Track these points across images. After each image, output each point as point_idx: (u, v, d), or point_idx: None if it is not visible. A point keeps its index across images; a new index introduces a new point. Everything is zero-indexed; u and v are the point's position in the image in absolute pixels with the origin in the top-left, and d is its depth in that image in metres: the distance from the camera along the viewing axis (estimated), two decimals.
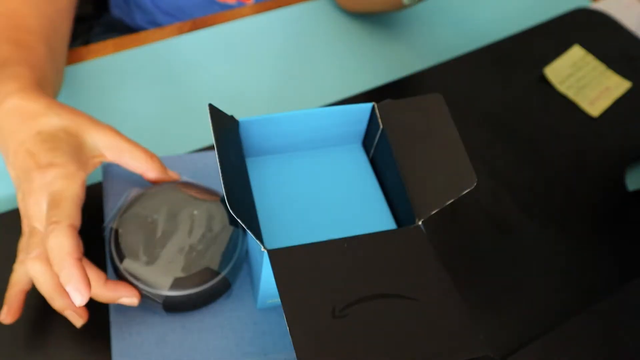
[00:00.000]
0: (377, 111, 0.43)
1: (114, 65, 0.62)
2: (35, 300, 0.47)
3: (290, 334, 0.31)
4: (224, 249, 0.45)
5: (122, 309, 0.46)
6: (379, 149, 0.44)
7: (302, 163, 0.46)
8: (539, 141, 0.65)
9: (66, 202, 0.40)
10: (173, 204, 0.46)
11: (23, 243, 0.43)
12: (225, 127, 0.38)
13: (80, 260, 0.38)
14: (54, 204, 0.40)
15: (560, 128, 0.67)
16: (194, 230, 0.45)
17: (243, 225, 0.34)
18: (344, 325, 0.33)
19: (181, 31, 0.67)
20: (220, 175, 0.35)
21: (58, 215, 0.39)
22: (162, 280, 0.43)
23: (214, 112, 0.38)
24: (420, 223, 0.39)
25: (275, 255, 0.35)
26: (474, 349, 0.33)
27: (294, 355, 0.46)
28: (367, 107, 0.43)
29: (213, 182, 0.50)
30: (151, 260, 0.44)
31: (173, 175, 0.48)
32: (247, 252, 0.48)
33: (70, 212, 0.40)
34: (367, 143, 0.46)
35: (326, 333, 0.32)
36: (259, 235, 0.36)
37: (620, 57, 0.74)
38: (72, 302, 0.42)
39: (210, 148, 0.57)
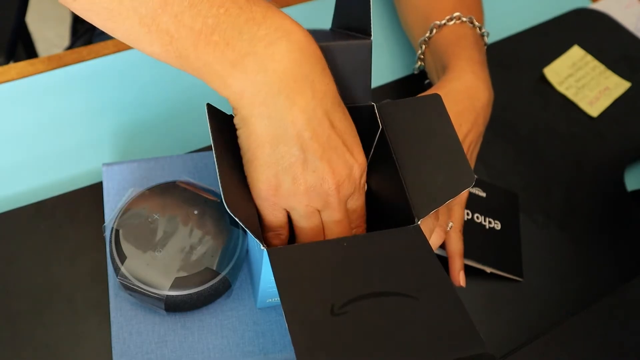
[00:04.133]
0: (376, 111, 0.43)
1: (114, 65, 0.62)
2: (37, 300, 0.47)
3: (289, 332, 0.31)
4: (224, 249, 0.45)
5: (122, 309, 0.46)
6: (378, 149, 0.44)
7: None
8: (539, 141, 0.65)
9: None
10: (173, 204, 0.46)
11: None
12: (224, 126, 0.38)
13: None
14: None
15: (560, 128, 0.67)
16: (194, 230, 0.45)
17: (242, 225, 0.34)
18: (343, 322, 0.33)
19: None
20: (218, 176, 0.35)
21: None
22: (162, 280, 0.43)
23: (212, 111, 0.38)
24: (419, 222, 0.39)
25: (275, 254, 0.35)
26: (472, 347, 0.33)
27: (294, 355, 0.46)
28: (366, 107, 0.43)
29: (213, 182, 0.51)
30: (152, 260, 0.44)
31: None
32: (247, 252, 0.48)
33: None
34: (366, 143, 0.46)
35: (325, 331, 0.32)
36: (258, 235, 0.36)
37: (620, 57, 0.74)
38: None
39: (211, 148, 0.57)
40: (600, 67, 0.72)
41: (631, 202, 0.62)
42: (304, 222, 0.39)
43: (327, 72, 0.38)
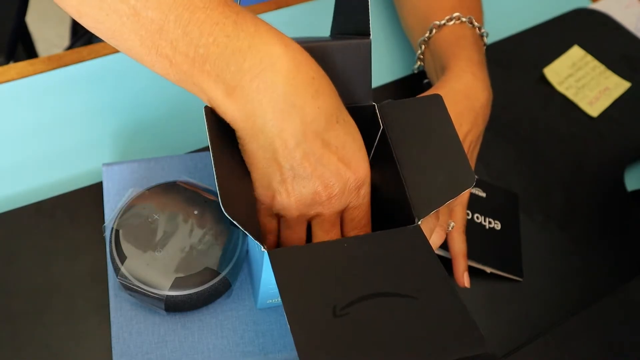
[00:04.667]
0: (377, 111, 0.43)
1: (114, 65, 0.62)
2: (37, 300, 0.47)
3: (292, 334, 0.31)
4: (224, 249, 0.45)
5: (122, 309, 0.46)
6: (379, 149, 0.44)
7: None
8: (539, 141, 0.65)
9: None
10: (173, 204, 0.46)
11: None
12: (223, 127, 0.38)
13: None
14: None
15: (560, 128, 0.67)
16: (194, 230, 0.45)
17: (240, 227, 0.34)
18: (345, 324, 0.33)
19: None
20: (216, 182, 0.35)
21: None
22: (162, 280, 0.43)
23: (210, 114, 0.37)
24: (419, 223, 0.39)
25: (276, 255, 0.35)
26: (473, 347, 0.33)
27: (294, 354, 0.46)
28: (367, 107, 0.43)
29: (213, 182, 0.50)
30: (152, 260, 0.44)
31: None
32: (247, 252, 0.48)
33: None
34: (367, 143, 0.46)
35: (327, 332, 0.32)
36: (258, 236, 0.36)
37: (620, 58, 0.74)
38: None
39: None
40: (600, 67, 0.72)
41: (631, 202, 0.62)
42: (289, 231, 0.41)
43: (321, 91, 0.37)
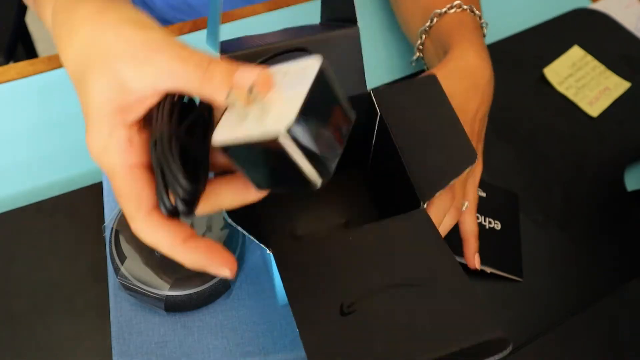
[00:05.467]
0: (373, 98, 0.42)
1: None
2: (37, 300, 0.47)
3: (300, 336, 0.31)
4: None
5: (122, 309, 0.46)
6: (379, 135, 0.43)
7: None
8: (539, 141, 0.65)
9: None
10: None
11: None
12: None
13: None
14: None
15: (560, 128, 0.67)
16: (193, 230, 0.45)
17: (244, 232, 0.34)
18: (353, 321, 0.32)
19: (181, 32, 0.67)
20: None
21: None
22: (162, 280, 0.43)
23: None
24: (424, 206, 0.38)
25: (281, 255, 0.35)
26: (487, 332, 0.32)
27: (294, 354, 0.46)
28: (363, 95, 0.43)
29: None
30: (152, 260, 0.44)
31: None
32: (246, 252, 0.48)
33: None
34: (367, 131, 0.45)
35: (336, 331, 0.32)
36: (262, 239, 0.36)
37: (620, 58, 0.74)
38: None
39: None
40: (600, 67, 0.72)
41: (631, 202, 0.62)
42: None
43: None
